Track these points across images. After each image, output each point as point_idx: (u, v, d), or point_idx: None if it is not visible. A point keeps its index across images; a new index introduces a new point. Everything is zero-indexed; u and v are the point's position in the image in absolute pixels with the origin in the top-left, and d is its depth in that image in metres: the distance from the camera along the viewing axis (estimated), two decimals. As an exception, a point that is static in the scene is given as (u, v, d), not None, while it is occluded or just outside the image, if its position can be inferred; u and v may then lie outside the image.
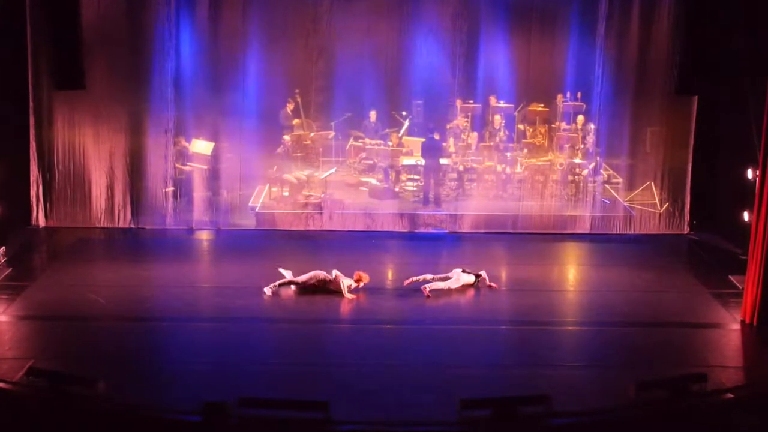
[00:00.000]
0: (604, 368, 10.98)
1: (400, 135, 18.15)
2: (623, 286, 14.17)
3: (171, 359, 11.21)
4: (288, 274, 13.56)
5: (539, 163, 17.92)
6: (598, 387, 10.34)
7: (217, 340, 11.76)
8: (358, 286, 13.35)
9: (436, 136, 17.75)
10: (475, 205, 17.64)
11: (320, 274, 13.40)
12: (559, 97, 17.84)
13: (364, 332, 12.16)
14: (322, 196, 17.57)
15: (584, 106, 17.62)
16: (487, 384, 10.31)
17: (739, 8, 15.65)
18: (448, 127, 17.99)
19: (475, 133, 18.12)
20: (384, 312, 12.87)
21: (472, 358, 11.29)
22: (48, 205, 17.08)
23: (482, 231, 17.26)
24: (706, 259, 15.80)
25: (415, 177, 18.14)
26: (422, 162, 17.84)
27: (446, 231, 17.39)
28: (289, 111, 17.86)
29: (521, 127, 18.22)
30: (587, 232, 17.34)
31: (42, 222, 17.08)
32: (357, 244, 16.43)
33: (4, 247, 14.88)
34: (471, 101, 18.02)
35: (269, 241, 16.49)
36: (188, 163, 17.44)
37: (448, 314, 12.85)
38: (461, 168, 17.94)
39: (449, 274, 13.62)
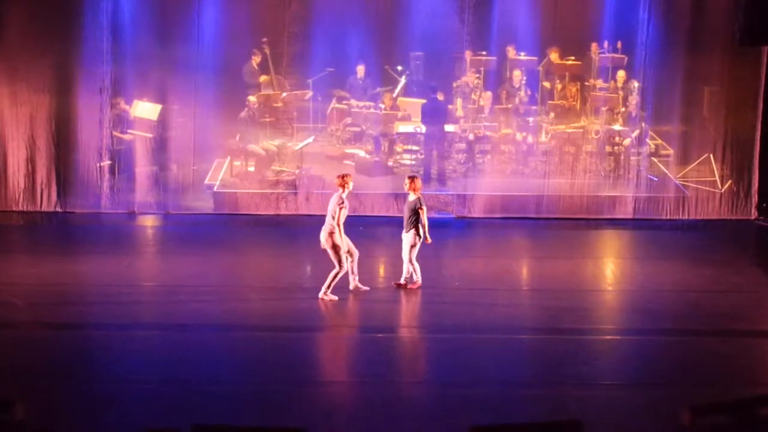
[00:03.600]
0: (650, 387, 11.00)
1: (394, 95, 18.13)
2: (674, 284, 14.20)
3: (107, 376, 11.18)
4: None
5: (569, 130, 17.94)
6: (642, 411, 10.36)
7: (165, 353, 11.74)
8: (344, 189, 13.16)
9: (440, 97, 17.74)
10: (488, 184, 17.66)
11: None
12: (594, 47, 17.84)
13: (351, 342, 12.16)
14: (297, 171, 17.56)
15: (625, 58, 17.62)
16: (503, 407, 10.32)
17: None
18: (454, 85, 17.98)
19: (489, 93, 18.11)
20: (375, 317, 12.86)
21: (485, 374, 11.29)
22: (-48, 183, 17.08)
23: (497, 215, 17.29)
24: (778, 250, 15.87)
25: (414, 148, 18.13)
26: (423, 129, 17.83)
27: (453, 215, 17.40)
28: (255, 65, 17.82)
29: (547, 85, 18.22)
30: (629, 217, 17.40)
31: (-55, 205, 17.07)
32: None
33: None
34: (484, 53, 18.00)
35: (230, 229, 16.46)
36: (129, 131, 17.41)
37: (455, 320, 12.84)
38: (471, 137, 17.94)
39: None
